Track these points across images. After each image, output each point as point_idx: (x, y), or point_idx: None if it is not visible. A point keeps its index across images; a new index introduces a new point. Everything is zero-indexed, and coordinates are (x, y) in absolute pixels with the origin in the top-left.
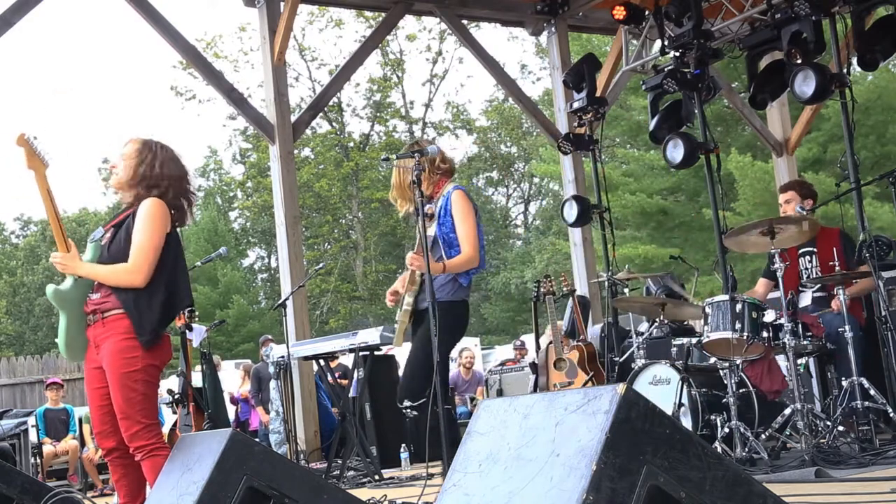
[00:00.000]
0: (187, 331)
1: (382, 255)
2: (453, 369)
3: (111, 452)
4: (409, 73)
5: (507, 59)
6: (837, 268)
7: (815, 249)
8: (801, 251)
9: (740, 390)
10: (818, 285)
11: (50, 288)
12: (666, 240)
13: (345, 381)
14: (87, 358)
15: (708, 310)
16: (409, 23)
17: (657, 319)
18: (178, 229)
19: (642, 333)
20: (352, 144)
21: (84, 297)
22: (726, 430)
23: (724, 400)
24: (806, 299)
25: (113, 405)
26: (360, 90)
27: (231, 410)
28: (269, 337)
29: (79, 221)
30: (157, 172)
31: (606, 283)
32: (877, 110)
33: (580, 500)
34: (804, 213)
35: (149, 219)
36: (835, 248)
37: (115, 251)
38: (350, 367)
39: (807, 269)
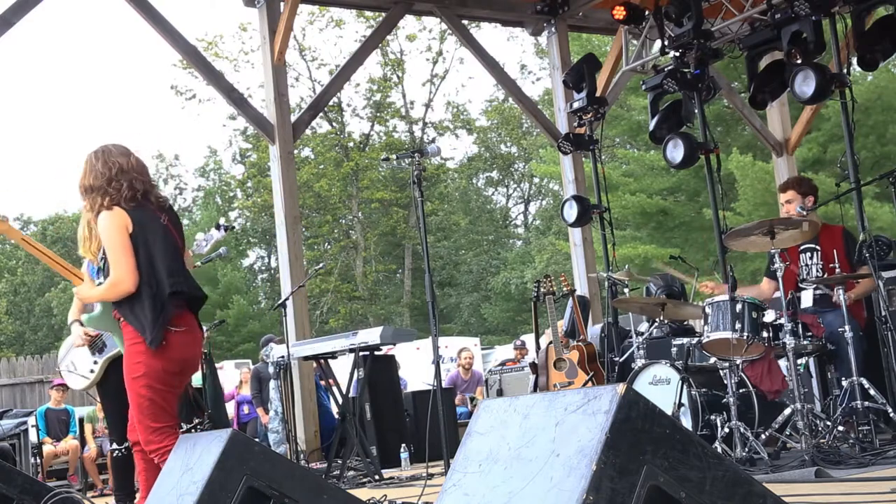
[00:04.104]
0: None
1: (382, 255)
2: (452, 370)
3: (135, 446)
4: (409, 73)
5: (507, 59)
6: (838, 269)
7: (818, 247)
8: (802, 247)
9: (740, 390)
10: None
11: (84, 317)
12: (666, 240)
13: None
14: None
15: (708, 310)
16: (409, 23)
17: (657, 319)
18: (144, 219)
19: (642, 333)
20: (352, 144)
21: (110, 312)
22: (726, 430)
23: (724, 400)
24: (807, 300)
25: None
26: (360, 90)
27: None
28: (274, 337)
29: (78, 221)
30: (101, 179)
31: (606, 283)
32: (877, 110)
33: (580, 500)
34: (804, 212)
35: (105, 233)
36: (835, 250)
37: (107, 268)
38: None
39: (807, 265)
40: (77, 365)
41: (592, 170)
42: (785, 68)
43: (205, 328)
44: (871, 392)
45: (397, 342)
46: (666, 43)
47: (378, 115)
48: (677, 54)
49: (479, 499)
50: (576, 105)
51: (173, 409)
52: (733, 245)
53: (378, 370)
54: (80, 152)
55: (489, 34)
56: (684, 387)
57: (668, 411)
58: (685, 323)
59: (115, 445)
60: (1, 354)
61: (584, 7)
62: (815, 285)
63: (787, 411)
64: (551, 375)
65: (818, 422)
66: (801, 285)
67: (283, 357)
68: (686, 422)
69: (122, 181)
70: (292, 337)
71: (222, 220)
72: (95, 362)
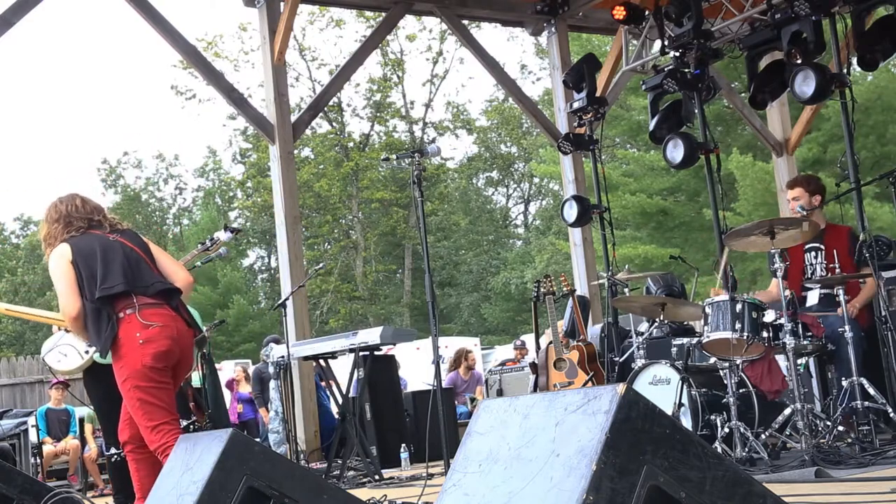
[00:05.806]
0: None
1: (382, 255)
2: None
3: (125, 446)
4: (409, 73)
5: (507, 59)
6: (839, 269)
7: (822, 247)
8: (807, 247)
9: (740, 390)
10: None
11: None
12: (666, 240)
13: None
14: None
15: (708, 310)
16: (409, 23)
17: (657, 319)
18: (86, 241)
19: (642, 333)
20: (352, 144)
21: None
22: (726, 430)
23: (724, 400)
24: (813, 298)
25: None
26: (360, 90)
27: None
28: (277, 337)
29: None
30: (48, 228)
31: (606, 283)
32: (877, 110)
33: (580, 500)
34: (804, 212)
35: (50, 270)
36: (836, 250)
37: None
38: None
39: (811, 265)
40: (73, 346)
41: (592, 170)
42: (785, 68)
43: (205, 328)
44: (871, 392)
45: (397, 342)
46: (666, 43)
47: (378, 115)
48: (677, 54)
49: (479, 499)
50: (576, 105)
51: (168, 405)
52: (733, 245)
53: (378, 370)
54: (81, 152)
55: (489, 34)
56: (684, 387)
57: (668, 411)
58: (685, 323)
59: (113, 450)
60: (1, 354)
61: (584, 7)
62: (819, 285)
63: (787, 411)
64: (551, 375)
65: (818, 422)
66: (804, 285)
67: (282, 357)
68: (686, 422)
69: (60, 224)
70: (292, 337)
71: (233, 224)
72: (91, 345)
